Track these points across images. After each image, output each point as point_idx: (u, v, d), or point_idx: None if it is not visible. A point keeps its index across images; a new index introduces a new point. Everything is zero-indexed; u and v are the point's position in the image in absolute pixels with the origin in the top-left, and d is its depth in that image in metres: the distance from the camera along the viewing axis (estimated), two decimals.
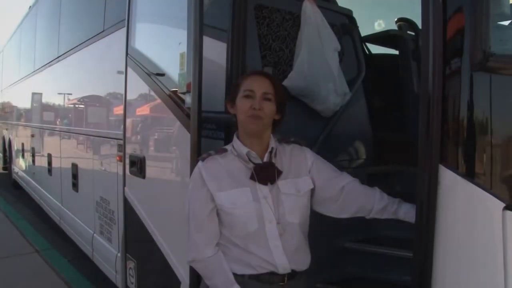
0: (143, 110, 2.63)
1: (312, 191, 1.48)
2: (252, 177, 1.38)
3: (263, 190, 1.39)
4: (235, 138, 1.45)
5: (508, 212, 1.09)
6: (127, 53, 2.63)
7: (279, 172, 1.41)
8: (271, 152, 1.42)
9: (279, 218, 1.38)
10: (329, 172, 1.50)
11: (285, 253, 1.38)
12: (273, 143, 1.44)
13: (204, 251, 1.40)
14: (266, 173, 1.39)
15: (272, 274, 1.38)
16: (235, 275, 1.39)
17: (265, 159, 1.41)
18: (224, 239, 1.42)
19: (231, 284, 1.37)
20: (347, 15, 2.77)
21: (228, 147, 1.47)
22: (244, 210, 1.36)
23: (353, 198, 1.47)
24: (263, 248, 1.37)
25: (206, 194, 1.40)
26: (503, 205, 1.10)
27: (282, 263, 1.38)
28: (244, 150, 1.40)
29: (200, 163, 1.45)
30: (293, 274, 1.41)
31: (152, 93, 2.40)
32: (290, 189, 1.41)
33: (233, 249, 1.40)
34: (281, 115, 1.45)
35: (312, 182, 1.47)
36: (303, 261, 1.46)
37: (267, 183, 1.39)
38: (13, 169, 8.17)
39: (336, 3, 3.01)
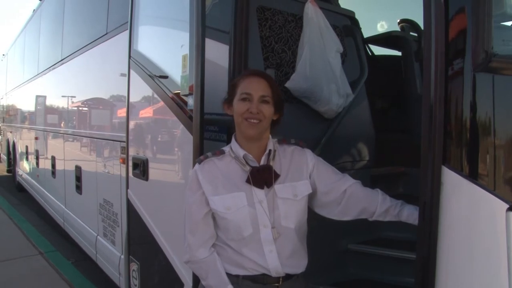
0: (146, 112, 2.64)
1: (314, 194, 1.47)
2: (247, 181, 1.37)
3: (259, 194, 1.37)
4: (233, 139, 1.44)
5: None
6: (130, 56, 2.64)
7: (276, 175, 1.39)
8: (268, 154, 1.40)
9: (274, 222, 1.36)
10: (331, 175, 1.49)
11: (279, 258, 1.36)
12: (271, 145, 1.42)
13: (198, 253, 1.40)
14: (262, 176, 1.37)
15: (266, 275, 1.38)
16: (229, 275, 1.39)
17: (262, 161, 1.40)
18: (219, 240, 1.42)
19: (224, 285, 1.37)
20: (350, 16, 2.76)
21: (226, 148, 1.45)
22: (238, 215, 1.35)
23: (355, 201, 1.46)
24: (257, 252, 1.36)
25: (201, 197, 1.39)
26: (506, 206, 1.09)
27: (275, 268, 1.37)
28: (241, 152, 1.39)
29: (197, 166, 1.43)
30: (288, 277, 1.40)
31: (155, 95, 2.41)
32: (287, 193, 1.39)
33: (228, 250, 1.40)
34: (280, 115, 1.44)
35: (314, 185, 1.46)
36: (298, 265, 1.44)
37: (263, 186, 1.37)
38: (17, 171, 8.22)
39: (338, 5, 3.02)
